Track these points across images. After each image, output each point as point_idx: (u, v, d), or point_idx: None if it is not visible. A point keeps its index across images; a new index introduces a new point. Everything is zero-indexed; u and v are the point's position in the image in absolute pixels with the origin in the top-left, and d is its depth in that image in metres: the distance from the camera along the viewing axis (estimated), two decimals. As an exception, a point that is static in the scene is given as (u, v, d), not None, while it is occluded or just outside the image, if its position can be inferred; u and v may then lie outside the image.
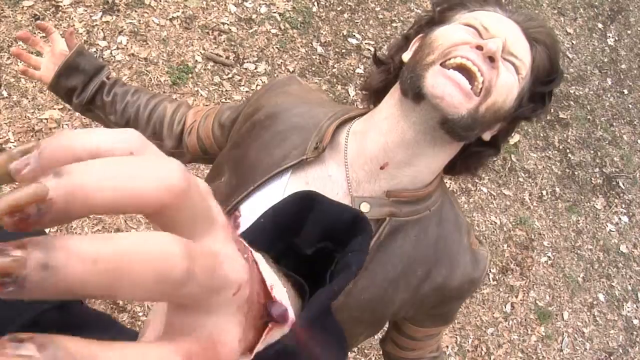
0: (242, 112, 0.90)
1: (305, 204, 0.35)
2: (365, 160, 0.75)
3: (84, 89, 1.00)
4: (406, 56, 0.78)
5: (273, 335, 0.27)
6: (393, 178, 0.75)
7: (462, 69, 0.67)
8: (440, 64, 0.68)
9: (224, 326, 0.21)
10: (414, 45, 0.79)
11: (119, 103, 1.00)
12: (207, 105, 0.96)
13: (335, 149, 0.78)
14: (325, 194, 0.69)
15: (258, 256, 0.28)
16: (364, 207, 0.74)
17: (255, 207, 0.78)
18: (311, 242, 0.34)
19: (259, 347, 0.26)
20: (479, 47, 0.68)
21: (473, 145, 0.79)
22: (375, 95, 0.83)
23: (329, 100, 0.91)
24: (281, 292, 0.28)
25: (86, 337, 0.19)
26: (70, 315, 0.41)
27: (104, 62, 1.11)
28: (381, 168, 0.75)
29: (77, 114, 2.31)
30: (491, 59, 0.68)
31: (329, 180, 0.77)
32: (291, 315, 0.28)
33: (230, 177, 0.84)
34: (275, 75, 2.65)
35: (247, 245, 0.27)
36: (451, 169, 0.81)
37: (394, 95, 0.76)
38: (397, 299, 0.79)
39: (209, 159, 0.98)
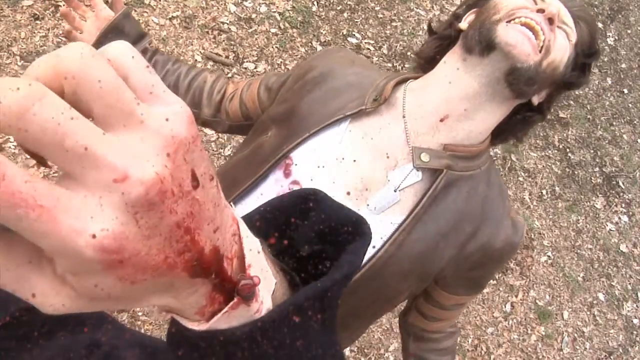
0: (292, 75, 0.93)
1: (307, 202, 0.34)
2: (425, 113, 0.79)
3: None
4: (463, 25, 0.83)
5: (240, 312, 0.26)
6: (451, 131, 0.79)
7: (527, 27, 0.74)
8: (506, 22, 0.74)
9: (86, 204, 0.19)
10: (468, 17, 0.85)
11: (160, 70, 1.02)
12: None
13: (393, 104, 0.81)
14: (383, 143, 0.76)
15: (254, 241, 0.28)
16: (424, 157, 0.77)
17: (308, 154, 0.80)
18: (308, 242, 0.34)
19: (218, 316, 0.25)
20: (540, 10, 0.75)
21: (522, 111, 0.84)
22: (427, 62, 0.88)
23: (376, 67, 0.95)
24: (260, 273, 0.27)
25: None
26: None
27: (146, 30, 1.10)
28: (441, 120, 0.78)
29: (76, 113, 2.31)
30: (550, 21, 0.74)
31: (387, 132, 0.80)
32: (265, 300, 0.27)
33: (278, 130, 0.86)
34: (275, 74, 2.65)
35: (234, 212, 0.26)
36: (499, 134, 0.86)
37: (452, 57, 0.81)
38: (446, 254, 0.81)
39: (247, 126, 0.99)
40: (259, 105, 0.97)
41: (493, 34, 0.74)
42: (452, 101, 0.78)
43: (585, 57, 0.82)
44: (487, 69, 0.76)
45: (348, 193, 0.79)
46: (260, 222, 0.33)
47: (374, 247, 0.77)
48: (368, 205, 0.78)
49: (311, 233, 0.34)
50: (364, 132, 0.80)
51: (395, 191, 0.78)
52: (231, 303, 0.26)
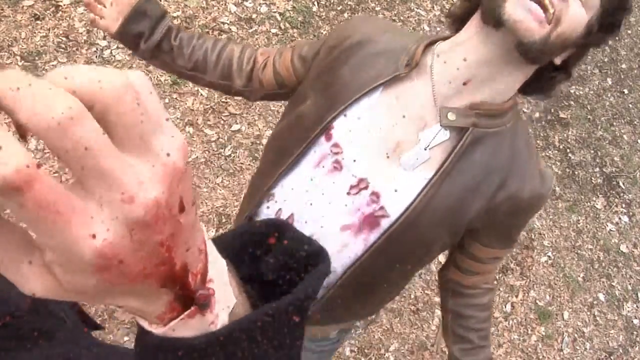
0: (324, 46, 0.97)
1: (274, 230, 0.37)
2: (450, 76, 0.84)
3: (151, 35, 1.03)
4: None
5: (196, 322, 0.29)
6: (475, 93, 0.84)
7: (535, 1, 0.75)
8: None
9: (94, 214, 0.23)
10: None
11: (186, 47, 1.04)
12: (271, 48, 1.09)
13: (422, 69, 0.86)
14: (414, 106, 0.84)
15: (221, 261, 0.31)
16: (450, 116, 0.83)
17: (347, 121, 0.87)
18: (274, 268, 0.37)
19: (176, 321, 0.29)
20: None
21: (546, 70, 0.87)
22: (457, 22, 0.91)
23: (408, 31, 1.00)
24: (220, 289, 0.30)
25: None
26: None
27: (166, 9, 1.13)
28: (464, 84, 0.84)
29: (77, 113, 2.31)
30: None
31: (417, 95, 0.86)
32: (221, 315, 0.30)
33: (317, 99, 0.92)
34: (276, 74, 2.66)
35: (206, 237, 0.30)
36: (525, 92, 0.91)
37: (474, 22, 0.84)
38: (474, 207, 0.87)
39: (282, 94, 1.05)
40: (294, 74, 1.01)
41: (501, 11, 0.77)
42: (472, 67, 0.83)
43: (611, 16, 0.82)
44: (499, 41, 0.80)
45: (387, 154, 0.86)
46: (233, 246, 0.37)
47: (407, 201, 0.85)
48: (401, 163, 0.86)
49: (278, 259, 0.37)
50: (397, 96, 0.87)
51: (425, 149, 0.85)
52: (188, 311, 0.29)
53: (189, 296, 0.29)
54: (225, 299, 0.31)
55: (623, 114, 3.26)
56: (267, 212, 0.98)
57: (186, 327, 0.29)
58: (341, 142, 0.88)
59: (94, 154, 0.22)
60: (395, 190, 0.86)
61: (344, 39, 0.93)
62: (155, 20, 1.02)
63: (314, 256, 0.37)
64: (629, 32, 3.57)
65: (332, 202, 0.90)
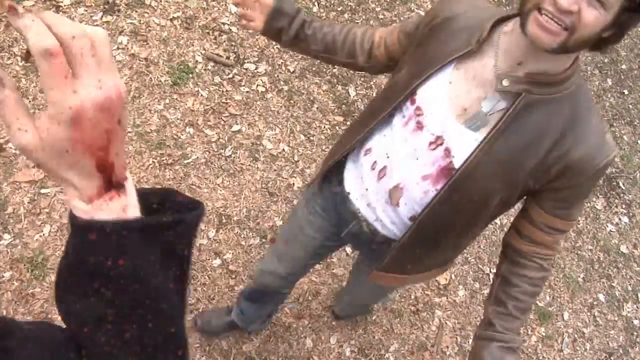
0: (422, 22, 1.13)
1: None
2: (509, 54, 0.98)
3: (289, 28, 1.27)
4: None
5: (114, 204, 0.43)
6: (530, 67, 0.97)
7: (549, 17, 0.86)
8: (537, 11, 0.87)
9: (78, 83, 0.39)
10: None
11: (318, 34, 1.27)
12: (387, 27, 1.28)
13: (490, 44, 1.01)
14: (480, 76, 1.00)
15: (132, 187, 0.45)
16: (505, 82, 0.98)
17: (428, 90, 1.05)
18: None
19: (99, 201, 0.42)
20: (558, 7, 0.85)
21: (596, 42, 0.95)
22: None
23: (493, 6, 1.14)
24: (131, 194, 0.44)
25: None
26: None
27: (298, 6, 1.37)
28: (519, 64, 0.97)
29: (77, 114, 2.31)
30: (569, 13, 0.85)
31: (483, 67, 1.01)
32: (129, 208, 0.44)
33: (410, 68, 1.10)
34: (276, 75, 2.65)
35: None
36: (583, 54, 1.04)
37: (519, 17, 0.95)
38: (527, 164, 1.00)
39: (392, 66, 1.23)
40: (400, 48, 1.19)
41: (526, 23, 0.89)
42: (523, 50, 0.96)
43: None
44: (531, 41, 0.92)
45: (456, 117, 1.02)
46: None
47: (467, 155, 1.01)
48: (466, 125, 1.02)
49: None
50: (467, 68, 1.02)
51: (486, 115, 1.01)
52: (109, 193, 0.42)
53: (111, 188, 0.42)
54: (134, 202, 0.44)
55: (623, 115, 3.26)
56: (365, 163, 1.18)
57: (106, 211, 0.42)
58: (422, 105, 1.06)
59: (80, 56, 0.39)
60: (461, 147, 1.02)
61: (436, 16, 1.09)
62: (292, 16, 1.26)
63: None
64: (629, 33, 3.58)
65: (416, 156, 1.08)
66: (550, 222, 1.09)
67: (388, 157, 1.12)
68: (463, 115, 1.02)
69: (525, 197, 1.12)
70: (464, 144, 1.02)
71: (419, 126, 1.07)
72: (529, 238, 1.12)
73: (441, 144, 1.04)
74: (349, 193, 1.23)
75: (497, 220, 2.64)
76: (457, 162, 1.02)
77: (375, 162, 1.15)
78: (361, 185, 1.20)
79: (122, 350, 0.43)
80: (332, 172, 1.30)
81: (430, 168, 1.06)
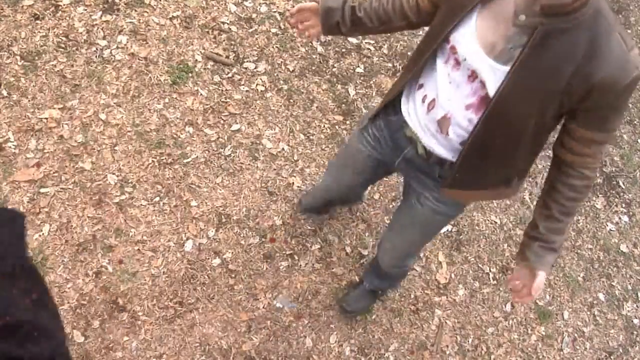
0: None
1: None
2: None
3: (343, 18, 1.43)
4: None
5: None
6: (545, 1, 1.04)
7: None
8: None
9: None
10: None
11: (370, 12, 1.42)
12: None
13: None
14: (503, 16, 1.13)
15: None
16: (522, 17, 1.08)
17: (460, 31, 1.18)
18: None
19: None
20: None
21: None
22: None
23: None
24: None
25: None
26: None
27: None
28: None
29: (77, 113, 2.31)
30: None
31: (506, 6, 1.11)
32: None
33: (443, 12, 1.24)
34: (276, 75, 2.65)
35: None
36: None
37: None
38: (553, 90, 1.10)
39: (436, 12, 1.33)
40: None
41: None
42: None
43: None
44: None
45: (486, 53, 1.14)
46: None
47: (498, 85, 1.13)
48: (495, 59, 1.14)
49: None
50: (490, 8, 1.14)
51: (510, 49, 1.12)
52: None
53: None
54: None
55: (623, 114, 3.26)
56: (417, 96, 1.33)
57: None
58: (456, 45, 1.19)
59: None
60: (493, 79, 1.14)
61: None
62: (341, 8, 1.42)
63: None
64: (629, 32, 3.58)
65: (457, 89, 1.22)
66: (588, 136, 1.18)
67: (436, 91, 1.27)
68: (492, 51, 1.14)
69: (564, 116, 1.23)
70: (495, 76, 1.14)
71: (457, 63, 1.20)
72: (572, 150, 1.22)
73: (477, 77, 1.18)
74: (404, 121, 1.38)
75: (497, 220, 2.64)
76: (491, 92, 1.15)
77: (425, 95, 1.30)
78: (415, 117, 1.35)
79: None
80: (389, 105, 1.45)
81: (471, 98, 1.21)
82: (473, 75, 1.18)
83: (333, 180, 1.80)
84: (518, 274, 1.34)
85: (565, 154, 1.24)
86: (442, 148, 1.32)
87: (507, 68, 1.12)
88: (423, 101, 1.31)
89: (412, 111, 1.36)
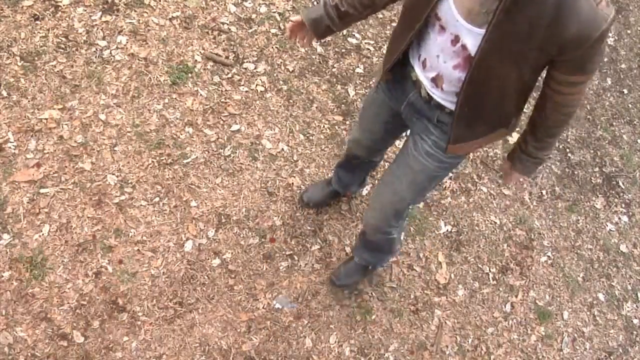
0: None
1: None
2: None
3: (331, 20, 1.55)
4: None
5: None
6: None
7: None
8: None
9: None
10: None
11: (352, 1, 1.49)
12: None
13: None
14: None
15: None
16: None
17: (447, 7, 1.24)
18: None
19: None
20: None
21: None
22: None
23: None
24: None
25: None
26: None
27: None
28: None
29: (76, 114, 2.31)
30: None
31: None
32: None
33: None
34: (275, 75, 2.65)
35: None
36: None
37: None
38: (528, 49, 1.19)
39: None
40: None
41: None
42: None
43: None
44: None
45: (465, 19, 1.22)
46: None
47: (478, 45, 1.22)
48: (471, 23, 1.22)
49: None
50: None
51: (484, 13, 1.19)
52: None
53: None
54: None
55: (623, 114, 3.26)
56: (414, 55, 1.45)
57: None
58: (439, 12, 1.27)
59: None
60: (472, 41, 1.24)
61: None
62: (324, 11, 1.53)
63: None
64: (629, 32, 3.58)
65: (444, 52, 1.32)
66: (570, 79, 1.28)
67: (427, 52, 1.38)
68: (469, 16, 1.22)
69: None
70: (473, 39, 1.23)
71: (442, 28, 1.29)
72: (557, 90, 1.32)
73: (459, 40, 1.27)
74: (412, 65, 1.47)
75: (497, 221, 2.64)
76: (472, 53, 1.25)
77: (419, 55, 1.42)
78: (417, 65, 1.46)
79: None
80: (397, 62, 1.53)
81: (456, 59, 1.31)
82: (456, 39, 1.27)
83: (362, 132, 1.91)
84: (504, 167, 1.66)
85: (552, 93, 1.34)
86: (440, 97, 1.44)
87: (483, 31, 1.20)
88: (418, 59, 1.44)
89: (415, 62, 1.47)
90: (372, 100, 1.75)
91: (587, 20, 1.13)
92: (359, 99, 2.72)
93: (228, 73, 2.59)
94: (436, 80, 1.41)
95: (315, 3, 2.91)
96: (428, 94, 1.47)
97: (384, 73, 1.57)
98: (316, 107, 2.63)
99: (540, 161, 1.56)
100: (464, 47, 1.27)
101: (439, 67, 1.37)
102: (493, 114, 1.45)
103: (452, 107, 1.43)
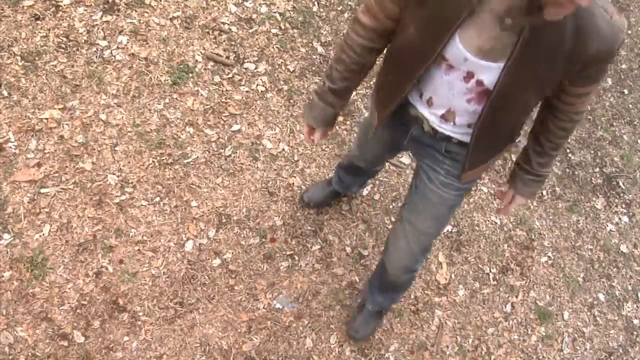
0: None
1: None
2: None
3: (332, 105, 1.49)
4: None
5: None
6: None
7: None
8: None
9: None
10: None
11: (345, 74, 1.42)
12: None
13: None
14: (483, 20, 1.13)
15: None
16: (508, 20, 1.10)
17: (451, 43, 1.17)
18: None
19: None
20: None
21: None
22: None
23: None
24: None
25: None
26: None
27: (318, 92, 1.52)
28: None
29: (77, 114, 2.31)
30: None
31: (487, 11, 1.11)
32: None
33: (422, 29, 1.21)
34: (276, 75, 2.65)
35: None
36: None
37: None
38: (549, 76, 1.18)
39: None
40: (396, 7, 1.26)
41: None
42: None
43: None
44: None
45: (478, 56, 1.17)
46: None
47: (496, 79, 1.18)
48: (485, 59, 1.17)
49: None
50: (473, 17, 1.13)
51: (500, 49, 1.15)
52: None
53: None
54: None
55: (623, 114, 3.26)
56: (415, 92, 1.38)
57: None
58: (447, 55, 1.21)
59: None
60: (489, 76, 1.19)
61: None
62: (323, 103, 1.48)
63: None
64: (629, 32, 3.58)
65: (455, 88, 1.26)
66: (580, 91, 1.27)
67: (433, 91, 1.32)
68: (481, 53, 1.16)
69: None
70: (490, 74, 1.18)
71: (450, 67, 1.23)
72: (564, 101, 1.31)
73: (472, 77, 1.21)
74: (409, 102, 1.41)
75: (498, 221, 2.64)
76: (490, 87, 1.20)
77: (422, 93, 1.35)
78: (419, 103, 1.39)
79: None
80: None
81: (470, 94, 1.26)
82: (469, 76, 1.22)
83: (362, 154, 1.92)
84: (504, 194, 1.61)
85: (557, 102, 1.33)
86: (451, 131, 1.39)
87: (500, 64, 1.16)
88: (421, 97, 1.36)
89: (416, 100, 1.40)
90: (372, 136, 1.70)
91: (606, 35, 1.12)
92: (359, 99, 2.72)
93: (229, 73, 2.59)
94: (446, 116, 1.35)
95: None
96: (433, 129, 1.42)
97: (379, 118, 1.50)
98: (317, 107, 2.63)
99: (543, 179, 1.52)
100: (479, 82, 1.22)
101: (450, 104, 1.32)
102: (508, 134, 1.43)
103: (462, 138, 1.39)
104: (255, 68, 2.64)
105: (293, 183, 2.43)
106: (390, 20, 1.29)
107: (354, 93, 2.72)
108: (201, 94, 2.50)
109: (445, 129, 1.39)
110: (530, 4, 1.07)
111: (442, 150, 1.46)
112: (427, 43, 1.22)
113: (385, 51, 1.42)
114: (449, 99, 1.30)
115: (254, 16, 2.77)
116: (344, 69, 1.40)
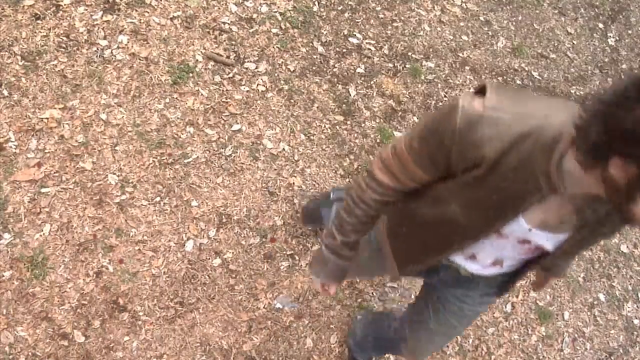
0: (454, 148, 0.98)
1: None
2: (577, 180, 0.92)
3: (346, 258, 1.35)
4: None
5: None
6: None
7: None
8: None
9: None
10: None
11: (356, 228, 1.29)
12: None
13: (559, 181, 0.95)
14: (551, 205, 1.00)
15: None
16: (587, 213, 1.03)
17: (516, 225, 1.05)
18: None
19: None
20: None
21: None
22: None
23: (536, 111, 0.97)
24: None
25: None
26: None
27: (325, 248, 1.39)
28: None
29: (77, 113, 2.31)
30: None
31: (556, 198, 0.98)
32: None
33: (467, 209, 1.07)
34: (276, 75, 2.65)
35: None
36: None
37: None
38: (610, 232, 1.14)
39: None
40: (425, 174, 1.09)
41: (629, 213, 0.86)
42: (591, 181, 0.95)
43: None
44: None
45: (536, 226, 1.06)
46: None
47: (556, 244, 1.10)
48: (548, 230, 1.06)
49: None
50: (545, 205, 1.00)
51: (563, 225, 1.05)
52: None
53: None
54: None
55: (623, 114, 3.26)
56: (458, 254, 1.24)
57: None
58: (504, 231, 1.08)
59: None
60: (549, 243, 1.09)
61: (478, 156, 0.96)
62: (336, 258, 1.35)
63: None
64: (630, 32, 3.58)
65: (508, 249, 1.16)
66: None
67: (481, 250, 1.20)
68: (546, 227, 1.05)
69: None
70: (550, 242, 1.09)
71: (501, 235, 1.11)
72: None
73: (529, 242, 1.11)
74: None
75: (498, 220, 2.64)
76: (550, 248, 1.11)
77: (462, 250, 1.19)
78: (458, 258, 1.28)
79: None
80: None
81: (524, 252, 1.16)
82: (525, 242, 1.11)
83: (365, 274, 1.87)
84: (536, 281, 1.59)
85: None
86: (494, 273, 1.30)
87: (562, 236, 1.08)
88: (461, 252, 1.24)
89: (456, 257, 1.28)
90: (372, 256, 1.53)
91: None
92: (360, 99, 2.72)
93: (229, 73, 2.59)
94: (495, 264, 1.25)
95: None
96: (472, 274, 1.31)
97: (400, 271, 1.38)
98: (317, 107, 2.63)
99: (569, 263, 1.49)
100: (538, 247, 1.12)
101: (498, 256, 1.22)
102: None
103: (507, 270, 1.30)
104: (256, 68, 2.64)
105: (293, 183, 2.43)
106: (414, 183, 1.14)
107: (355, 92, 2.72)
108: (201, 94, 2.50)
109: (490, 272, 1.29)
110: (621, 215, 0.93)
111: (479, 284, 1.36)
112: (477, 223, 1.09)
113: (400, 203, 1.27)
114: (498, 254, 1.20)
115: (255, 16, 2.76)
116: (357, 222, 1.28)
